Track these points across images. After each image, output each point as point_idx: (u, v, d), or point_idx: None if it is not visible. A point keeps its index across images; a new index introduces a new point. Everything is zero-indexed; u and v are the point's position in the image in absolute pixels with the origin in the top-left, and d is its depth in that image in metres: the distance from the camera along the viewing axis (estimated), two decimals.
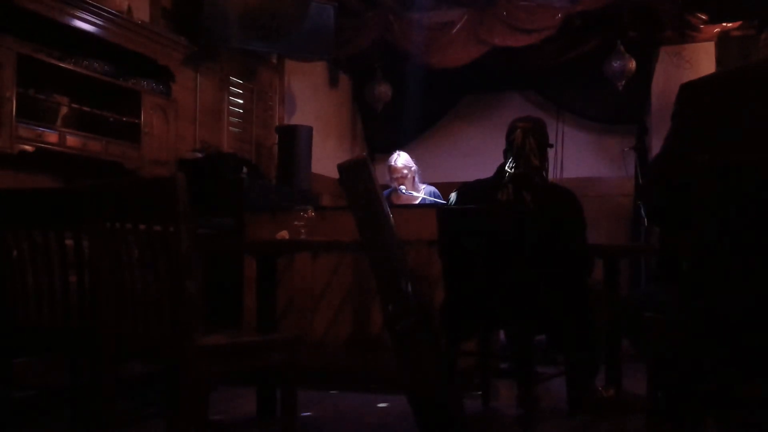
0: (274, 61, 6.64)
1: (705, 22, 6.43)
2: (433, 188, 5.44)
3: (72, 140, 4.23)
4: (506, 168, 3.38)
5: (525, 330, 3.19)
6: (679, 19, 6.33)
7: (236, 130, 6.14)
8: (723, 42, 6.61)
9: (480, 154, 6.94)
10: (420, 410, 2.76)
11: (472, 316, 3.30)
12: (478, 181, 3.52)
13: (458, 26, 6.52)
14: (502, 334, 4.37)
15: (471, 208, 3.32)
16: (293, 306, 4.47)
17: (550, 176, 3.67)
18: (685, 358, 1.88)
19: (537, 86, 7.54)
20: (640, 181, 6.35)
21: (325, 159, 6.74)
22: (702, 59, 6.64)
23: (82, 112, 4.43)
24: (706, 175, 1.78)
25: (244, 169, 5.31)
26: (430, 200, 5.23)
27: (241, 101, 6.21)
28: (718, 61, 6.58)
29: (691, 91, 1.95)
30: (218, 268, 4.56)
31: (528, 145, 3.35)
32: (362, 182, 2.73)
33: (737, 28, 6.51)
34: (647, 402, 2.79)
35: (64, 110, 4.36)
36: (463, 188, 3.53)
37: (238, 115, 6.17)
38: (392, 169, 5.35)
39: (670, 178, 1.94)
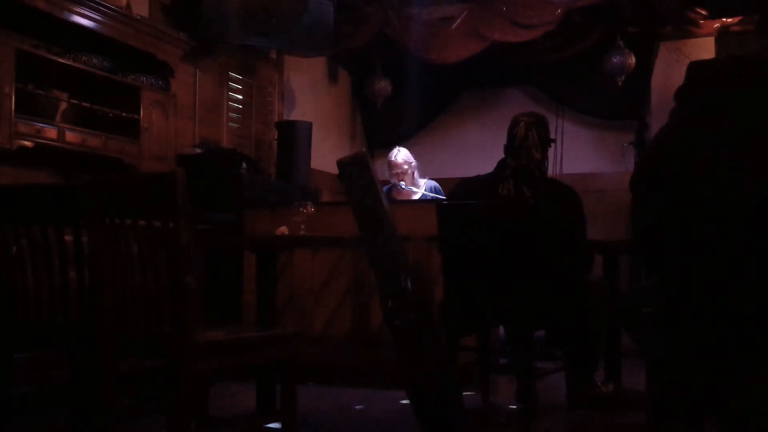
0: (274, 56, 6.63)
1: (704, 18, 6.42)
2: (433, 183, 5.43)
3: (71, 136, 4.23)
4: (508, 161, 3.38)
5: (524, 326, 3.19)
6: (679, 14, 6.32)
7: (235, 125, 6.14)
8: (723, 37, 6.61)
9: (480, 150, 6.95)
10: (420, 405, 2.76)
11: (472, 312, 3.30)
12: (478, 177, 3.52)
13: (458, 21, 6.51)
14: (501, 330, 4.37)
15: (471, 203, 3.32)
16: (293, 301, 4.48)
17: (550, 172, 3.67)
18: (685, 354, 1.89)
19: (537, 82, 7.54)
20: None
21: (325, 155, 6.74)
22: (702, 54, 6.63)
23: (81, 108, 4.43)
24: (705, 172, 1.78)
25: (244, 165, 5.30)
26: (431, 195, 5.22)
27: (240, 97, 6.20)
28: (718, 56, 6.57)
29: (699, 72, 1.93)
30: (218, 264, 4.56)
31: (530, 138, 3.35)
32: (362, 178, 2.73)
33: (737, 24, 6.51)
34: (646, 398, 2.80)
35: (63, 106, 4.36)
36: (463, 184, 3.53)
37: (237, 110, 6.17)
38: (392, 165, 5.35)
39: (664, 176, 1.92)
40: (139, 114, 4.69)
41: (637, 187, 1.97)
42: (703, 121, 1.84)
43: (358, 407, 3.65)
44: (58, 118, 4.30)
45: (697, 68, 1.93)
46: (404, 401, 2.85)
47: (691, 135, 1.84)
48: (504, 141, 3.46)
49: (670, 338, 1.93)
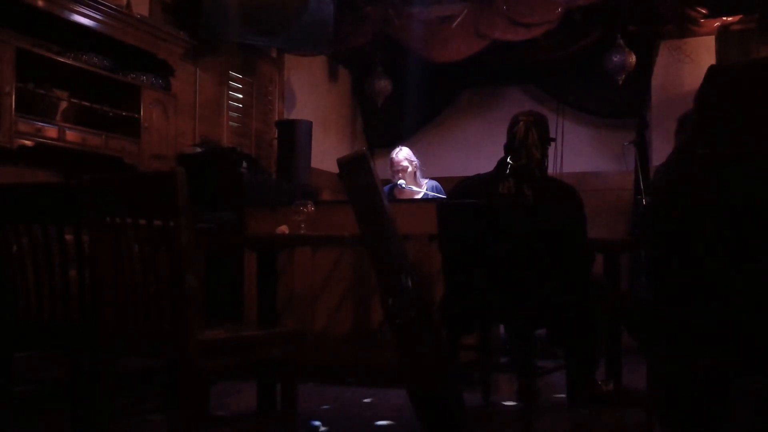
0: (274, 55, 6.63)
1: (705, 16, 6.42)
2: (435, 183, 5.43)
3: (71, 135, 4.23)
4: (508, 160, 3.38)
5: (525, 324, 3.19)
6: (679, 13, 6.32)
7: (236, 124, 6.14)
8: (723, 36, 6.60)
9: (480, 149, 6.96)
10: (420, 404, 2.77)
11: (473, 311, 3.30)
12: (478, 176, 3.52)
13: (458, 20, 6.51)
14: (502, 328, 4.37)
15: (471, 202, 3.32)
16: (293, 300, 4.47)
17: (550, 171, 3.66)
18: (685, 352, 1.88)
19: (537, 80, 7.54)
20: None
21: (325, 153, 6.74)
22: (702, 53, 6.63)
23: (81, 107, 4.43)
24: (705, 168, 1.78)
25: (244, 164, 5.30)
26: (432, 195, 5.22)
27: (240, 96, 6.20)
28: (719, 55, 6.57)
29: (719, 74, 1.92)
30: (219, 263, 4.56)
31: (530, 138, 3.35)
32: (362, 177, 2.73)
33: (737, 22, 6.51)
34: (647, 396, 2.80)
35: (63, 105, 4.36)
36: (463, 183, 3.53)
37: (237, 109, 6.17)
38: (392, 163, 5.34)
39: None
40: (139, 113, 4.69)
41: (658, 193, 1.97)
42: (724, 126, 1.84)
43: (358, 406, 3.65)
44: (58, 117, 4.30)
45: (717, 73, 1.93)
46: (405, 400, 2.84)
47: (713, 141, 1.84)
48: (504, 140, 3.46)
49: (669, 336, 1.93)
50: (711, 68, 1.95)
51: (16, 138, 3.89)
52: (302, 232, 3.55)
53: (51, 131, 4.11)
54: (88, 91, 4.47)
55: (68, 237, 2.56)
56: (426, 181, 5.43)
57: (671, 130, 3.69)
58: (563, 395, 3.43)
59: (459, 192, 3.49)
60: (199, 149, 5.35)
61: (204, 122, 5.70)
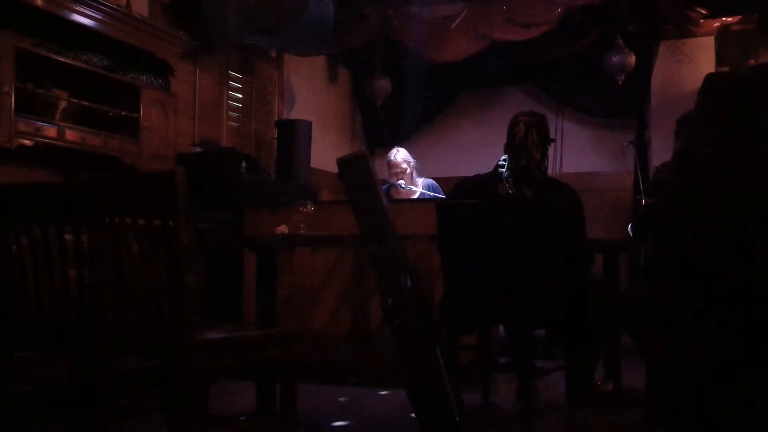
0: (274, 55, 6.64)
1: (705, 17, 6.42)
2: (431, 181, 5.43)
3: (71, 135, 4.23)
4: (507, 161, 3.38)
5: (525, 324, 3.19)
6: (679, 13, 6.32)
7: (235, 124, 6.14)
8: (723, 36, 6.60)
9: (479, 149, 6.96)
10: (419, 404, 2.77)
11: (472, 311, 3.30)
12: (478, 176, 3.52)
13: (458, 20, 6.51)
14: (501, 329, 4.37)
15: (470, 202, 3.32)
16: (293, 300, 4.47)
17: (549, 171, 3.66)
18: (685, 352, 1.89)
19: (536, 81, 7.54)
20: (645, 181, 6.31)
21: (325, 153, 6.74)
22: (702, 54, 6.64)
23: (81, 107, 4.43)
24: (705, 169, 1.78)
25: (244, 164, 5.30)
26: (429, 194, 5.22)
27: (240, 96, 6.20)
28: (718, 55, 6.58)
29: (716, 82, 1.93)
30: (218, 263, 4.56)
31: (530, 138, 3.35)
32: (362, 177, 2.73)
33: (737, 23, 6.51)
34: (646, 397, 2.80)
35: (62, 104, 4.36)
36: (463, 183, 3.53)
37: (237, 109, 6.17)
38: (391, 164, 5.34)
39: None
40: (138, 113, 4.69)
41: (658, 194, 1.98)
42: (724, 129, 1.84)
43: (357, 406, 3.65)
44: (57, 116, 4.30)
45: (716, 78, 1.93)
46: (404, 400, 2.84)
47: (714, 142, 1.85)
48: (504, 140, 3.46)
49: (669, 336, 1.93)
50: (709, 75, 1.96)
51: (15, 137, 3.89)
52: (302, 232, 3.55)
53: (50, 131, 4.11)
54: (87, 90, 4.47)
55: (67, 237, 2.56)
56: (422, 179, 5.43)
57: (671, 130, 3.70)
58: (563, 395, 3.43)
59: (458, 192, 3.49)
60: (198, 149, 5.35)
61: (203, 122, 5.70)
